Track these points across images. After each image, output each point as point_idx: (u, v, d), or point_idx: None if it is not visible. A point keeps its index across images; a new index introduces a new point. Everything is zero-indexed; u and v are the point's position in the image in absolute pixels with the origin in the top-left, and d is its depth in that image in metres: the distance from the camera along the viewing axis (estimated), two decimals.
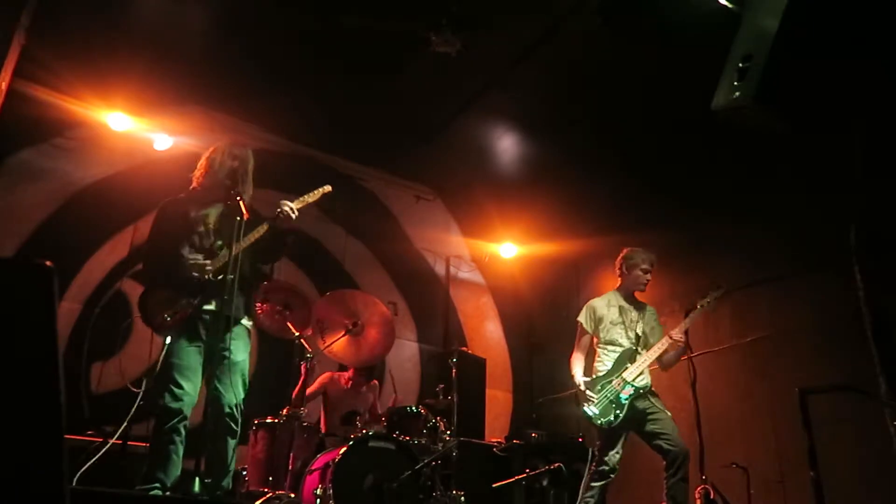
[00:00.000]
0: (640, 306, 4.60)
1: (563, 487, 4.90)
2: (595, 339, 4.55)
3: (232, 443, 3.27)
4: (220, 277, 3.24)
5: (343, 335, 4.59)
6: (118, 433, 3.59)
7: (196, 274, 3.27)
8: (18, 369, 0.99)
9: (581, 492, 4.24)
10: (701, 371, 4.88)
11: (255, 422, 4.22)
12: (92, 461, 3.34)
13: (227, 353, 3.21)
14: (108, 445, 3.51)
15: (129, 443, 4.06)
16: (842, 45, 2.38)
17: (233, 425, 3.27)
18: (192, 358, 3.26)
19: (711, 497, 4.28)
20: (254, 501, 3.76)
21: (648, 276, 4.57)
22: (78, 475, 3.31)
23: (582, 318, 4.60)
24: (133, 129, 5.78)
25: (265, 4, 4.85)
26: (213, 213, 3.48)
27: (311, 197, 3.62)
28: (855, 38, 2.39)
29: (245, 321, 3.48)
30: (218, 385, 3.17)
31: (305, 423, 4.29)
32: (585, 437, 5.63)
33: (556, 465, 5.02)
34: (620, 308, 4.53)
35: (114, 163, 5.75)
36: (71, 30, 5.00)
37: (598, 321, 4.53)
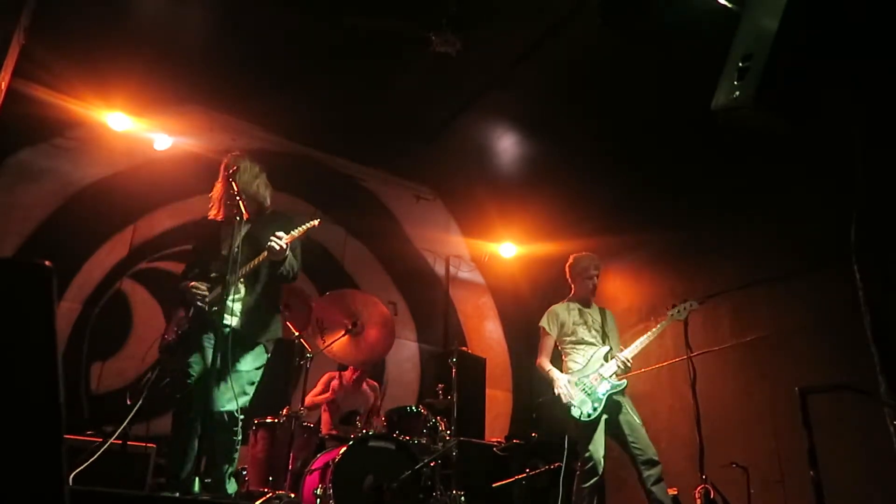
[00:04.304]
0: (597, 310, 4.74)
1: (562, 487, 4.90)
2: (560, 343, 4.63)
3: (223, 437, 3.24)
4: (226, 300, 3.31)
5: (343, 335, 4.59)
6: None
7: (199, 303, 3.37)
8: (18, 369, 0.99)
9: (574, 496, 4.23)
10: (701, 371, 4.87)
11: (255, 422, 4.23)
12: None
13: (227, 361, 3.23)
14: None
15: (128, 443, 4.06)
16: (842, 45, 2.38)
17: (224, 424, 3.25)
18: (203, 354, 3.34)
19: (711, 497, 4.29)
20: (254, 501, 3.76)
21: (595, 280, 4.73)
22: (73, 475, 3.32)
23: (544, 322, 4.70)
24: (133, 129, 5.79)
25: (265, 4, 4.84)
26: (237, 236, 3.51)
27: (297, 232, 3.59)
28: (855, 38, 2.39)
29: (262, 339, 3.51)
30: (213, 389, 3.17)
31: (305, 423, 4.29)
32: None
33: (556, 465, 5.02)
34: (580, 310, 4.69)
35: (114, 163, 5.75)
36: (71, 30, 5.00)
37: (560, 325, 4.63)
